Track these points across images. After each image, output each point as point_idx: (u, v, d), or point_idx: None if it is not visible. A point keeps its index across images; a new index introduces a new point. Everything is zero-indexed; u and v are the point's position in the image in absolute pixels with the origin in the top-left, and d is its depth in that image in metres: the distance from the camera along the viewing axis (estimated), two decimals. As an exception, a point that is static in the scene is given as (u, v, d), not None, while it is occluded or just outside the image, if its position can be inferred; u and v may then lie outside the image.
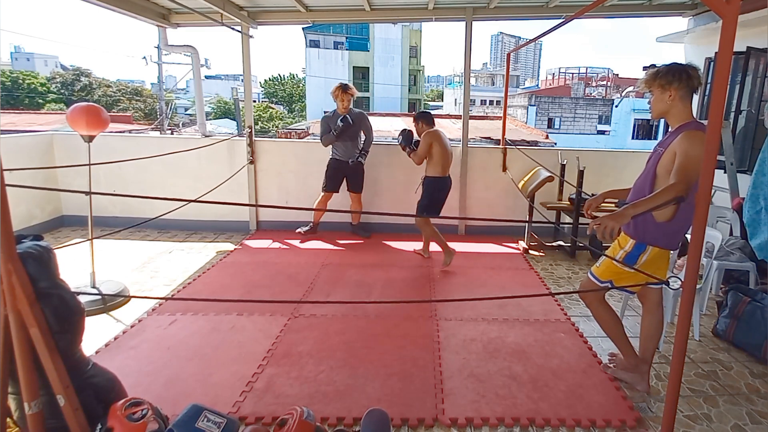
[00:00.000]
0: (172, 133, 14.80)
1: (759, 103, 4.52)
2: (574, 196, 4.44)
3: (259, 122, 27.22)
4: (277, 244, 4.74)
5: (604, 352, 2.75)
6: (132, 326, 2.97)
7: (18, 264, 1.49)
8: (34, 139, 4.95)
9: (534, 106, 26.62)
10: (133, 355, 2.64)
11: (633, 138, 24.61)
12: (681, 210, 2.06)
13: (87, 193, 2.60)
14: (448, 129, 15.26)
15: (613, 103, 26.43)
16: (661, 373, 2.55)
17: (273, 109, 34.04)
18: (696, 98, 2.23)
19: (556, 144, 14.14)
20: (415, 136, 4.19)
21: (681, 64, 2.05)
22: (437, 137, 3.96)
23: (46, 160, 4.89)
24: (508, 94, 5.60)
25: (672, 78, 2.00)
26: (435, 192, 4.07)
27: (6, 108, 22.33)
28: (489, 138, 12.13)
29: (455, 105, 35.71)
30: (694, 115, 2.10)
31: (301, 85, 35.22)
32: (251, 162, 5.04)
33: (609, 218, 1.86)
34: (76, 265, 3.61)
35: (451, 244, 4.10)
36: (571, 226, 4.73)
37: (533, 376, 2.49)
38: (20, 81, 32.34)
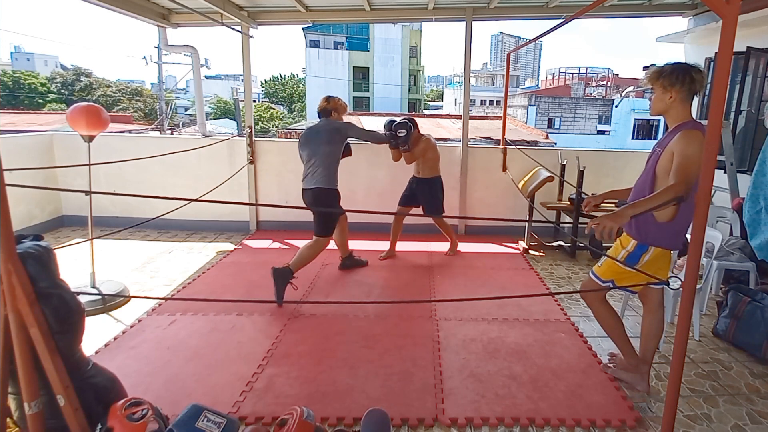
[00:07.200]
0: (172, 133, 14.78)
1: (759, 103, 4.51)
2: (574, 196, 4.44)
3: (259, 122, 27.21)
4: (277, 244, 4.75)
5: (604, 352, 2.75)
6: (132, 326, 2.97)
7: (18, 264, 1.49)
8: (34, 139, 4.95)
9: (534, 106, 26.63)
10: (133, 355, 2.64)
11: (633, 138, 24.64)
12: (682, 210, 2.06)
13: (87, 193, 2.61)
14: (448, 129, 15.28)
15: (613, 103, 26.45)
16: (661, 373, 2.55)
17: (273, 109, 34.02)
18: (696, 98, 2.22)
19: (556, 144, 14.15)
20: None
21: (687, 65, 2.02)
22: (433, 143, 4.18)
23: (46, 160, 4.89)
24: (508, 94, 5.60)
25: (675, 80, 2.00)
26: (441, 190, 4.30)
27: (6, 108, 22.30)
28: (489, 138, 12.14)
29: (455, 105, 35.71)
30: (694, 116, 2.09)
31: (301, 85, 35.21)
32: (251, 162, 5.04)
33: (607, 218, 1.86)
34: (76, 265, 3.61)
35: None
36: (571, 226, 4.73)
37: (533, 376, 2.49)
38: (20, 81, 32.34)
